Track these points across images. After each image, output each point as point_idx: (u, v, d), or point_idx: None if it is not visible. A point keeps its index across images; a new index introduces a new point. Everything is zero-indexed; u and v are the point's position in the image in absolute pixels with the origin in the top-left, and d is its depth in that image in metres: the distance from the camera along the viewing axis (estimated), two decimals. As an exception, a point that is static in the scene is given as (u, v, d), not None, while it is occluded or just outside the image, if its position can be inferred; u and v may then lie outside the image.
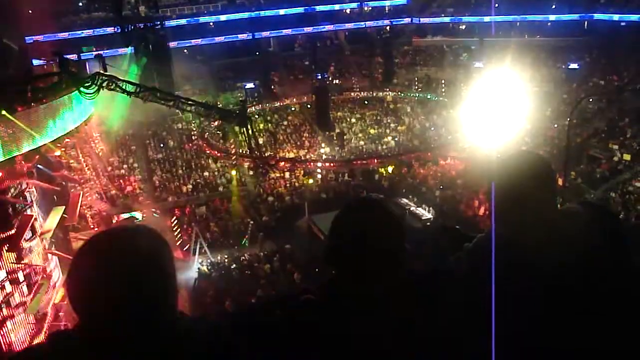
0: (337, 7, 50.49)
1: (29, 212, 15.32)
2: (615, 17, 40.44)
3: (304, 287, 2.09)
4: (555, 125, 34.17)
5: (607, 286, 1.95)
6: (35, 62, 23.83)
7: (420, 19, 50.32)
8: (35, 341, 13.96)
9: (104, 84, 22.24)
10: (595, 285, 1.94)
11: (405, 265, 1.99)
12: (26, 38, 33.59)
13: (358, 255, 1.97)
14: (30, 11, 31.93)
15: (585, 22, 43.71)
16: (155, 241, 1.64)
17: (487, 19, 46.05)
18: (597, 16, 42.14)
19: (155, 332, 1.57)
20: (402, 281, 1.97)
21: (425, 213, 26.84)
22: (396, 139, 38.19)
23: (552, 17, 44.87)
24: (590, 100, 34.58)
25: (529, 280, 1.96)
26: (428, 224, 25.60)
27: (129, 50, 36.59)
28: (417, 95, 43.97)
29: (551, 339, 1.93)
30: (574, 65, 40.94)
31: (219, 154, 34.60)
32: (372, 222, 2.01)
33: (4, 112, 14.34)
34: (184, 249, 25.10)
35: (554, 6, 44.90)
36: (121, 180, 31.46)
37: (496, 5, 43.92)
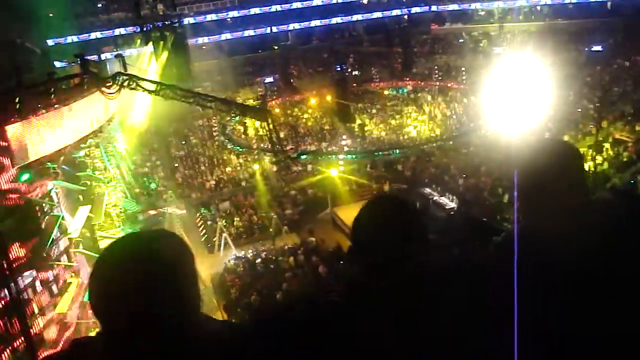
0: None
1: (55, 212, 15.55)
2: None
3: (329, 286, 2.09)
4: (579, 109, 33.60)
5: (629, 269, 1.91)
6: (58, 63, 24.17)
7: (439, 6, 49.78)
8: (65, 338, 14.21)
9: (125, 83, 22.49)
10: (616, 269, 1.90)
11: (414, 259, 1.97)
12: (47, 41, 34.24)
13: (368, 251, 1.98)
14: (50, 14, 32.38)
15: (609, 3, 42.80)
16: (177, 246, 1.64)
17: (505, 4, 45.45)
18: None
19: (178, 337, 1.56)
20: (408, 276, 1.94)
21: (449, 202, 26.64)
22: (417, 129, 37.93)
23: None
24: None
25: (552, 271, 1.92)
26: (452, 212, 25.42)
27: (148, 49, 36.90)
28: (437, 84, 43.59)
29: (573, 328, 1.89)
30: (597, 48, 40.11)
31: (240, 149, 34.78)
32: (377, 219, 2.01)
33: (29, 115, 14.57)
34: (209, 245, 25.33)
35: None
36: (145, 178, 31.79)
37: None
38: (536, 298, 1.83)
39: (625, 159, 26.92)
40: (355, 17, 49.84)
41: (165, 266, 1.55)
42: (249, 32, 46.96)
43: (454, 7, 48.91)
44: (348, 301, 1.98)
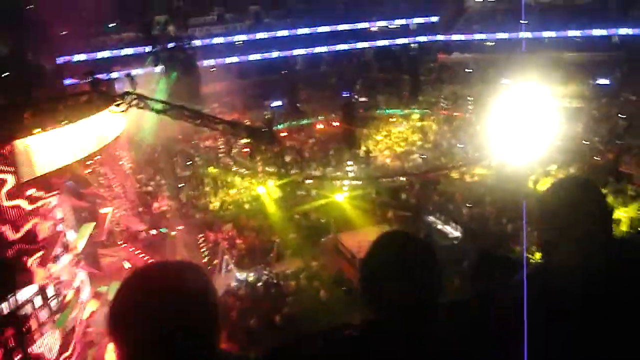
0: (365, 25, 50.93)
1: (59, 228, 15.56)
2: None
3: (344, 323, 2.08)
4: (586, 142, 33.64)
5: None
6: (67, 81, 24.40)
7: (448, 36, 50.29)
8: (63, 357, 14.10)
9: (134, 102, 22.63)
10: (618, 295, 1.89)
11: (430, 301, 1.95)
12: (58, 58, 34.66)
13: (383, 293, 1.96)
14: (62, 33, 32.82)
15: (614, 37, 43.15)
16: (201, 278, 1.63)
17: (514, 35, 45.82)
18: (627, 31, 41.60)
19: None
20: (424, 317, 1.93)
21: (453, 231, 26.51)
22: (423, 156, 37.95)
23: (580, 33, 44.44)
24: (623, 116, 33.99)
25: (571, 308, 1.90)
26: (455, 242, 25.28)
27: (158, 69, 37.23)
28: (443, 112, 43.70)
29: None
30: (604, 81, 40.33)
31: (245, 172, 34.82)
32: (394, 263, 1.98)
33: (37, 130, 14.66)
34: (210, 266, 25.20)
35: (583, 22, 44.47)
36: (149, 197, 31.82)
37: (524, 22, 43.72)
38: (551, 338, 1.82)
39: (630, 193, 26.86)
40: (362, 45, 50.37)
41: (192, 296, 1.55)
42: (258, 56, 47.45)
43: (459, 37, 49.43)
44: (364, 337, 1.96)
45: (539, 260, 2.23)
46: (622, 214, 23.31)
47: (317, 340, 2.20)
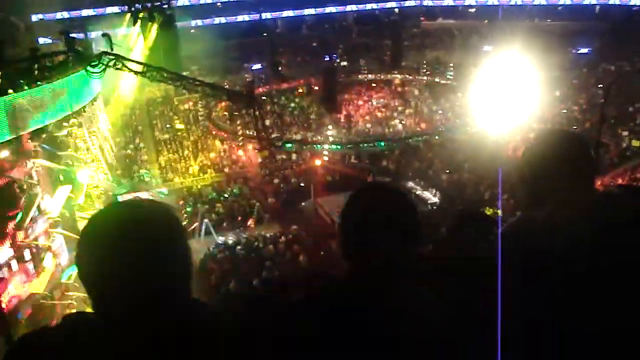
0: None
1: (35, 191, 15.37)
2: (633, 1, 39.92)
3: (315, 271, 2.06)
4: (565, 111, 33.91)
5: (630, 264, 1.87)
6: (42, 40, 23.77)
7: (430, 1, 49.89)
8: (40, 319, 14.09)
9: (111, 63, 22.18)
10: (617, 263, 1.85)
11: (412, 258, 1.93)
12: (32, 16, 33.69)
13: (364, 251, 1.92)
14: (37, -11, 31.86)
15: (597, 7, 43.19)
16: (172, 214, 1.59)
17: (496, 1, 45.61)
18: (611, 1, 41.65)
19: (173, 310, 1.52)
20: (405, 275, 1.90)
21: (432, 197, 26.77)
22: (403, 122, 37.98)
23: (563, 1, 44.40)
24: (600, 85, 34.23)
25: (546, 263, 1.88)
26: (434, 207, 25.55)
27: (136, 29, 36.46)
28: (425, 78, 43.59)
29: (562, 322, 1.86)
30: (584, 50, 40.50)
31: (225, 135, 34.60)
32: (376, 217, 1.92)
33: (10, 91, 14.35)
34: (190, 230, 25.19)
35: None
36: (127, 160, 31.53)
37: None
38: (526, 291, 1.80)
39: (607, 163, 27.27)
40: (349, 8, 49.77)
41: (163, 231, 1.51)
42: (239, 18, 46.69)
43: (448, 2, 49.09)
44: (349, 284, 1.94)
45: (518, 216, 2.18)
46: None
47: (287, 289, 2.19)
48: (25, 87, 15.42)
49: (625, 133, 29.64)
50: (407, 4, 50.61)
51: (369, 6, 50.64)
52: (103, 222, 1.53)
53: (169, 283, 1.51)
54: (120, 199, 24.49)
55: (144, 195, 26.07)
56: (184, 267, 1.57)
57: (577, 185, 2.01)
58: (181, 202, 27.39)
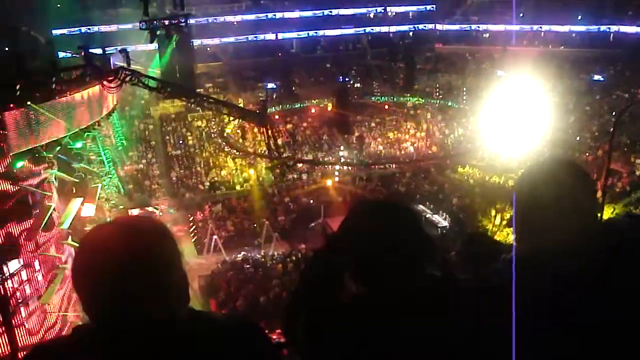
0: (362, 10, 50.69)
1: (48, 202, 15.48)
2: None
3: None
4: (578, 138, 33.79)
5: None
6: (61, 54, 24.12)
7: (444, 25, 50.15)
8: (48, 331, 14.11)
9: (127, 79, 22.43)
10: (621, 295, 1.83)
11: (419, 279, 1.94)
12: (53, 31, 34.27)
13: (371, 273, 1.96)
14: (58, 5, 32.42)
15: (611, 35, 43.20)
16: (157, 233, 1.64)
17: (511, 27, 45.77)
18: (623, 28, 41.67)
19: (167, 323, 1.58)
20: (424, 288, 1.92)
21: (442, 220, 26.67)
22: (415, 145, 37.99)
23: (577, 28, 44.46)
24: (613, 113, 34.07)
25: (545, 296, 1.86)
26: (444, 231, 25.45)
27: (153, 46, 36.89)
28: (437, 101, 43.64)
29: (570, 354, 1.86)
30: (597, 77, 40.44)
31: (237, 153, 34.74)
32: (382, 239, 1.95)
33: (28, 103, 14.52)
34: (199, 246, 25.23)
35: (579, 17, 44.45)
36: (139, 175, 31.72)
37: (521, 14, 43.65)
38: (542, 322, 1.81)
39: (618, 190, 27.06)
40: (358, 31, 50.15)
41: (142, 248, 1.55)
42: (254, 37, 47.15)
43: (462, 27, 49.37)
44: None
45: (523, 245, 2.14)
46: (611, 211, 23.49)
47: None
48: (43, 100, 15.61)
49: (638, 161, 29.42)
50: (421, 27, 50.82)
51: (383, 29, 50.90)
52: (94, 245, 1.60)
53: (161, 303, 1.57)
54: (130, 212, 24.68)
55: (153, 209, 26.24)
56: (180, 290, 1.64)
57: (575, 215, 1.95)
58: (191, 218, 27.47)
